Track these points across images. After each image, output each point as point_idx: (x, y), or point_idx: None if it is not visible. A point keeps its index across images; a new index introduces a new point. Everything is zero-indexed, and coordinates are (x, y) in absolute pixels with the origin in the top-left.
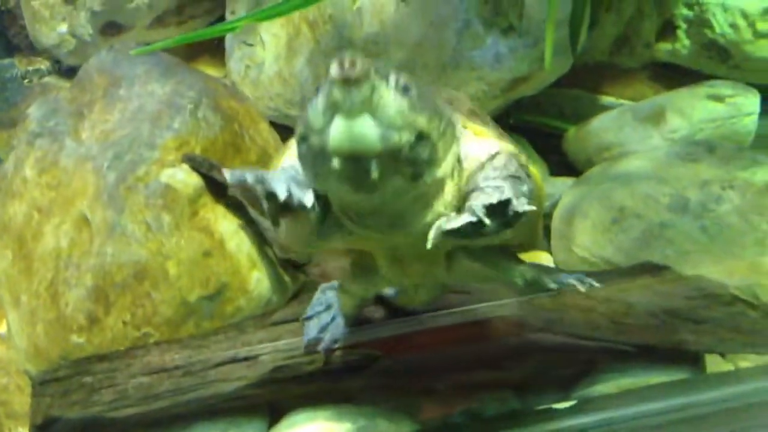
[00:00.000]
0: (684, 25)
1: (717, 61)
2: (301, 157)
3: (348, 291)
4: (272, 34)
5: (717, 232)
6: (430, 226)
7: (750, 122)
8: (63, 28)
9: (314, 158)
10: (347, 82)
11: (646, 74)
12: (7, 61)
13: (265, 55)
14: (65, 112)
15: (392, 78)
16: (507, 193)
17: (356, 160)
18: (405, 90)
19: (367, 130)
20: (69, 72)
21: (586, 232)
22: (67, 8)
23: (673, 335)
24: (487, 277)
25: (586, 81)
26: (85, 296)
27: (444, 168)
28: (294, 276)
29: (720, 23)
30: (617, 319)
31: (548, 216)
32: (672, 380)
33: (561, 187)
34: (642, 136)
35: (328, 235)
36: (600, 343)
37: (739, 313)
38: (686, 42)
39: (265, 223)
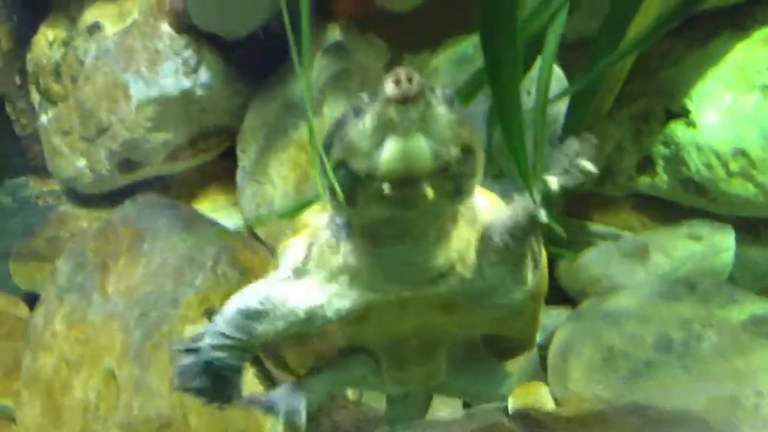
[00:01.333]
0: (662, 162)
1: (694, 195)
2: (339, 183)
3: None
4: (282, 176)
5: (698, 370)
6: (441, 270)
7: (727, 257)
8: (81, 162)
9: (355, 183)
10: (405, 100)
11: (630, 203)
12: (23, 178)
13: (275, 194)
14: (91, 265)
15: (439, 91)
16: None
17: (408, 182)
18: (451, 102)
19: (422, 148)
20: (83, 199)
21: (580, 370)
22: (86, 145)
23: None
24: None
25: (575, 209)
26: None
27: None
28: (309, 424)
29: (695, 162)
30: None
31: (544, 348)
32: None
33: (555, 319)
34: (628, 270)
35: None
36: None
37: None
38: (665, 177)
39: (280, 374)
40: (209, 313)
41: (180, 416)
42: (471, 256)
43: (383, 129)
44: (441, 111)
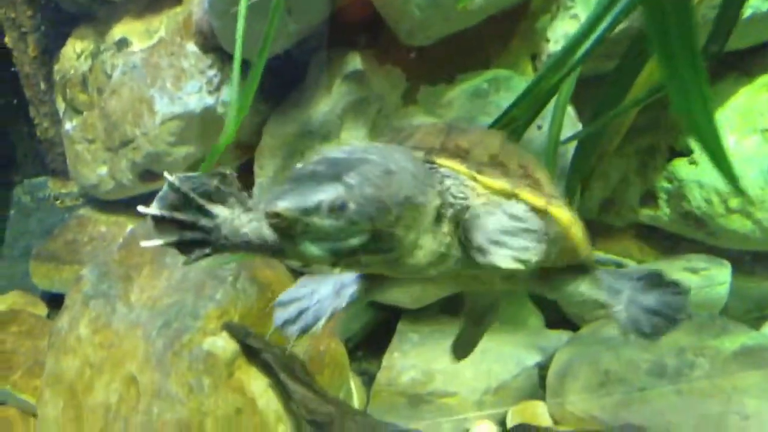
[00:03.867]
0: (664, 196)
1: (694, 228)
2: None
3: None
4: None
5: (690, 396)
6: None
7: (722, 290)
8: (103, 170)
9: None
10: (281, 230)
11: (632, 233)
12: (42, 178)
13: None
14: (115, 275)
15: (325, 206)
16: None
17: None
18: (341, 209)
19: (315, 252)
20: (102, 204)
21: (576, 392)
22: (109, 154)
23: None
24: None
25: None
26: None
27: (414, 236)
28: None
29: (696, 198)
30: None
31: (543, 368)
32: None
33: (555, 341)
34: None
35: None
36: None
37: None
38: (666, 210)
39: (293, 385)
40: (229, 328)
41: (197, 421)
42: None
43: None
44: (324, 223)
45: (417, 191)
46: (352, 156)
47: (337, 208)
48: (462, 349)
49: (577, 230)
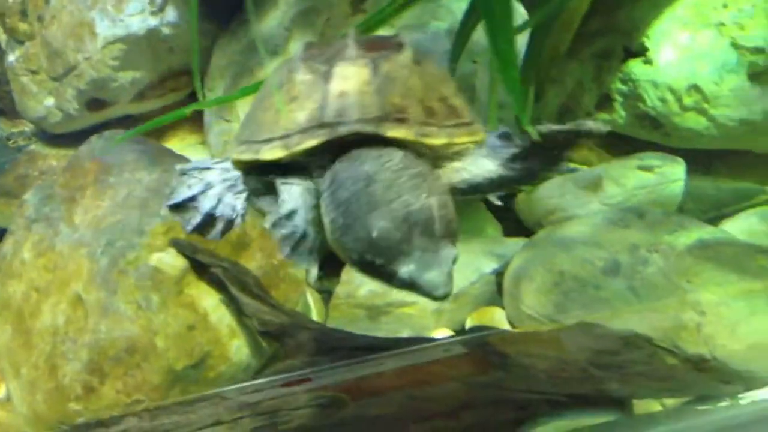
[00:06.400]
0: (620, 99)
1: (650, 129)
2: None
3: None
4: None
5: (644, 292)
6: None
7: (677, 188)
8: (50, 101)
9: None
10: None
11: (590, 140)
12: None
13: None
14: (59, 198)
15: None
16: None
17: None
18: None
19: None
20: (53, 139)
21: (532, 294)
22: (54, 84)
23: (600, 385)
24: None
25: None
26: (81, 369)
27: None
28: (271, 343)
29: (651, 98)
30: (553, 374)
31: (500, 275)
32: (603, 422)
33: (512, 248)
34: (582, 201)
35: None
36: (538, 395)
37: (660, 362)
38: (622, 113)
39: (245, 299)
40: (176, 244)
41: (147, 339)
42: None
43: None
44: None
45: None
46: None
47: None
48: None
49: None
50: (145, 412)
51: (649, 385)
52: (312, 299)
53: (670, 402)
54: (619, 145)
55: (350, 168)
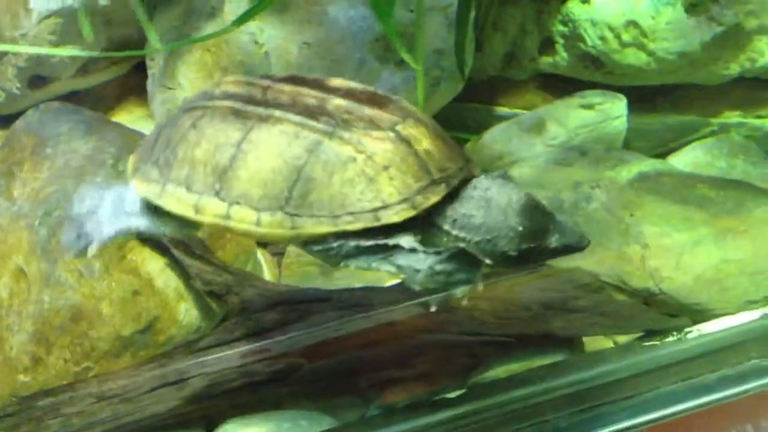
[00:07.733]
0: (561, 40)
1: (592, 69)
2: None
3: None
4: (189, 79)
5: (588, 228)
6: None
7: (619, 124)
8: None
9: None
10: None
11: (534, 84)
12: None
13: (185, 98)
14: None
15: None
16: None
17: None
18: None
19: None
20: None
21: None
22: None
23: (546, 324)
24: None
25: (482, 94)
26: (27, 340)
27: None
28: (221, 305)
29: (591, 36)
30: (499, 315)
31: None
32: (553, 362)
33: None
34: (527, 144)
35: None
36: (486, 337)
37: (607, 299)
38: (564, 55)
39: (189, 261)
40: None
41: (92, 306)
42: None
43: None
44: None
45: None
46: None
47: None
48: None
49: None
50: (93, 378)
51: (598, 322)
52: (264, 260)
53: (621, 339)
54: (564, 87)
55: (471, 200)
